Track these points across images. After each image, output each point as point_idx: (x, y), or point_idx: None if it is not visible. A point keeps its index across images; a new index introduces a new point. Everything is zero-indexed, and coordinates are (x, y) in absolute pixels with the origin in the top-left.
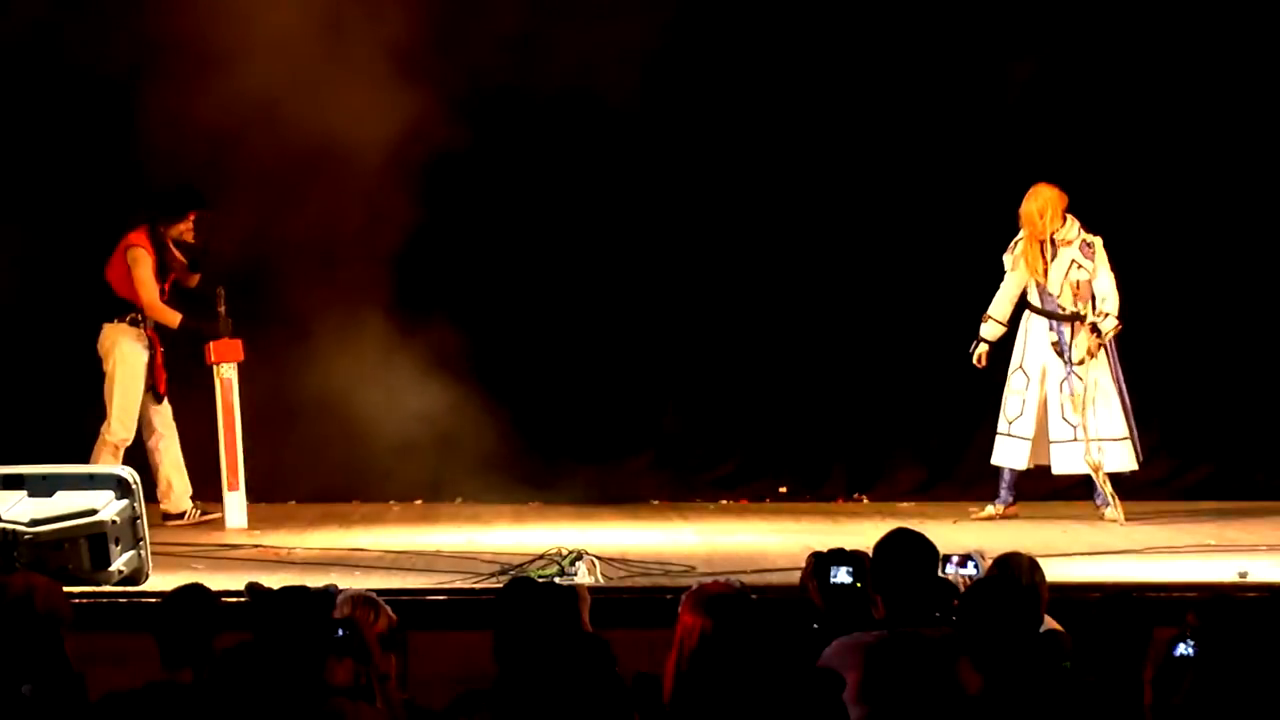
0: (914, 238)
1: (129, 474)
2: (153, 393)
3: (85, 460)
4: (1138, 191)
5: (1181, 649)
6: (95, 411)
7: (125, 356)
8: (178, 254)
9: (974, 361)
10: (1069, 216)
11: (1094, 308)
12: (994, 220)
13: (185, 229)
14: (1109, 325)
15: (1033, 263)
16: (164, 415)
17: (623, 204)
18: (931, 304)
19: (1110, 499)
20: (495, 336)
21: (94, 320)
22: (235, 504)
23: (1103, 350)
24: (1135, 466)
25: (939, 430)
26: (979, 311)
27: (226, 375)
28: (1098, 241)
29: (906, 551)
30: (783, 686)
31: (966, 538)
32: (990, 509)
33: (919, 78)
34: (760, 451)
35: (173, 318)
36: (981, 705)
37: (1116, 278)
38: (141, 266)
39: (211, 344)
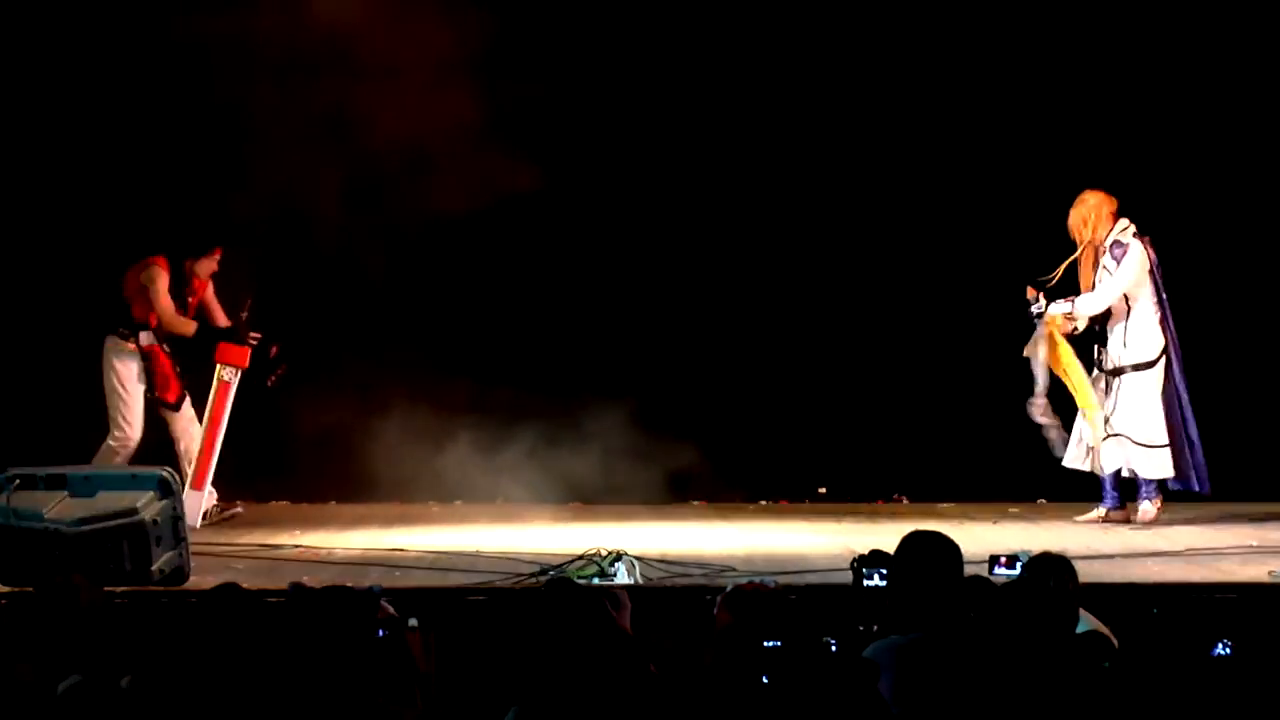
0: (957, 245)
1: (170, 474)
2: (161, 402)
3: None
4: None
5: (1219, 649)
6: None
7: (115, 367)
8: (198, 286)
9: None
10: (1121, 219)
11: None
12: (1042, 223)
13: (209, 265)
14: (1053, 310)
15: (1085, 273)
16: (183, 421)
17: (665, 217)
18: (974, 308)
19: (1106, 502)
20: (531, 341)
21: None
22: (194, 502)
23: (1161, 365)
24: (1170, 474)
25: (979, 430)
26: (1020, 315)
27: (225, 377)
28: (1134, 243)
29: (924, 554)
30: (814, 682)
31: (1010, 538)
32: (1095, 512)
33: (942, 93)
34: (801, 452)
35: (189, 326)
36: (1016, 706)
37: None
38: (158, 283)
39: (220, 343)
